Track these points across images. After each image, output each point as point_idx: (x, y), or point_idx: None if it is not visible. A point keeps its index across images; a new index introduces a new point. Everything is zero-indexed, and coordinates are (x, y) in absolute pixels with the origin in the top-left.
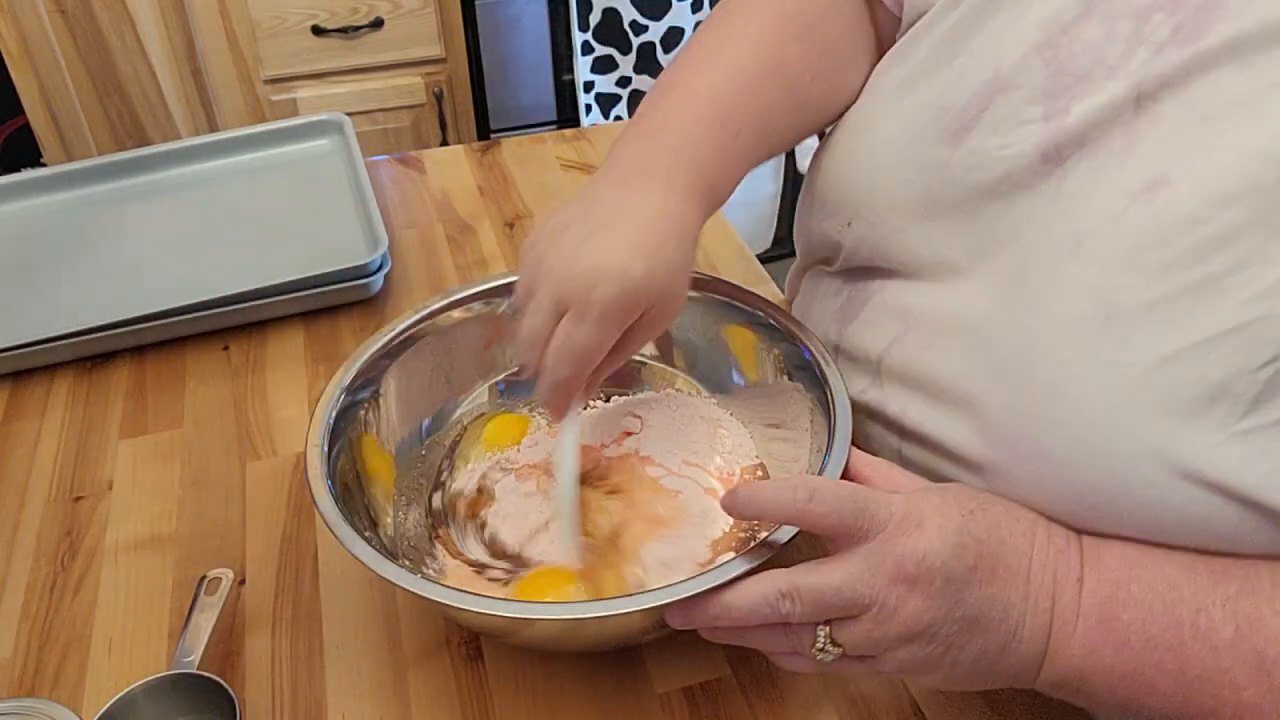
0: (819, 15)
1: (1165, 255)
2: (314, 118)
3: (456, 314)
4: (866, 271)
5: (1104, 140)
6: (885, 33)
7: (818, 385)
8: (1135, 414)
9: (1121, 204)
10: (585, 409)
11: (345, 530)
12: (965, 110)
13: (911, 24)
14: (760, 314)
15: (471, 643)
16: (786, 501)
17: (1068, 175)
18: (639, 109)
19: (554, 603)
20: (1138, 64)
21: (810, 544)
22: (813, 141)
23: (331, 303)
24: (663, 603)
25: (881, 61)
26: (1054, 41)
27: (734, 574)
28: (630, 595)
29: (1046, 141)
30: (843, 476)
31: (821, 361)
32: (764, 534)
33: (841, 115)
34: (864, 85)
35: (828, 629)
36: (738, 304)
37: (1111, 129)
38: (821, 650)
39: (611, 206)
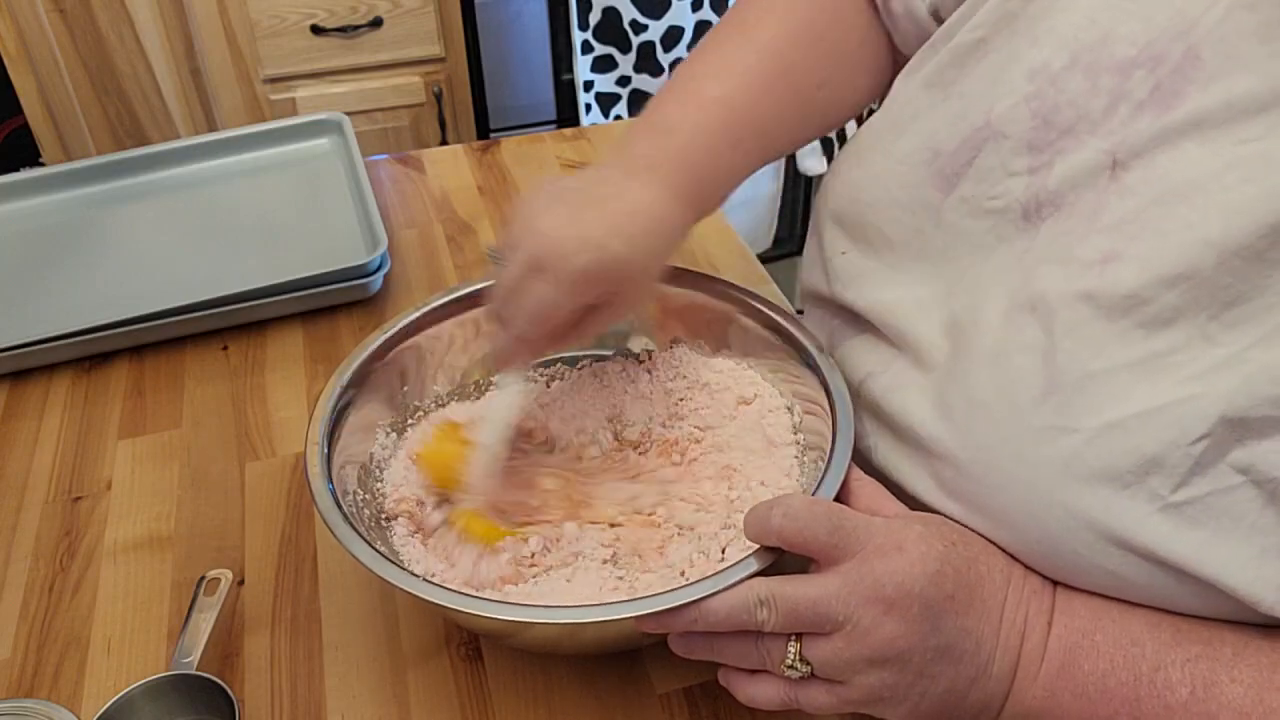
0: (828, 24)
1: (1111, 329)
2: (313, 117)
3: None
4: (852, 314)
5: (1077, 203)
6: (895, 42)
7: (822, 391)
8: (1070, 481)
9: (1077, 273)
10: (550, 384)
11: (345, 530)
12: (956, 156)
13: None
14: (764, 315)
15: (471, 643)
16: (762, 518)
17: (1040, 235)
18: (652, 102)
19: (553, 606)
20: (1118, 122)
21: (802, 565)
22: (815, 143)
23: (331, 303)
24: (655, 610)
25: None
26: (1041, 93)
27: (711, 590)
28: (628, 600)
29: (1030, 198)
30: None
31: (825, 368)
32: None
33: (847, 120)
34: (869, 92)
35: (798, 645)
36: (740, 304)
37: (1086, 193)
38: (790, 666)
39: (610, 189)
